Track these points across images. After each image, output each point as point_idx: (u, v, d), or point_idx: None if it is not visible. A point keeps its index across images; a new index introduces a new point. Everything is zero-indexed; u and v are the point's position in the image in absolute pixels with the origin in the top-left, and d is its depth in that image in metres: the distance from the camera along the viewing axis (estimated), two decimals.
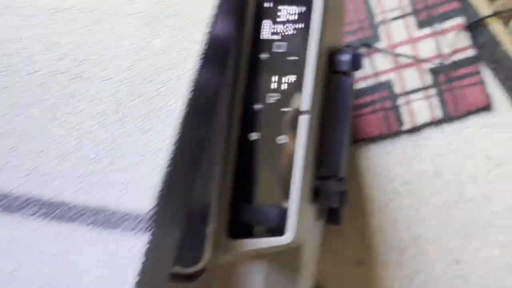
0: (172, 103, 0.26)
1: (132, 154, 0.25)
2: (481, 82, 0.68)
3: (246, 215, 0.29)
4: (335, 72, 0.36)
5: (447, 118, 0.69)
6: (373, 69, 0.71)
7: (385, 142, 0.70)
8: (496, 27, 0.68)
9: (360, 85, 0.70)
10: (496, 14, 0.68)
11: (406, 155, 0.69)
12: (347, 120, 0.35)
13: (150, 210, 0.24)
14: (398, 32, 0.70)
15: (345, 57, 0.36)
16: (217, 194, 0.29)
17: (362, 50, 0.70)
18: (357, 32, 0.71)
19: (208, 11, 0.27)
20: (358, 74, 0.71)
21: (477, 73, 0.68)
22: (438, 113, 0.68)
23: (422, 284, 0.68)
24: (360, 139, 0.70)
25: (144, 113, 0.26)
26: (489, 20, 0.68)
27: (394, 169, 0.69)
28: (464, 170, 0.68)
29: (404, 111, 0.69)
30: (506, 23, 0.68)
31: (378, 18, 0.71)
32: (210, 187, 0.28)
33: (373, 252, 0.69)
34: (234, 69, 0.29)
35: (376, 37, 0.71)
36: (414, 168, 0.69)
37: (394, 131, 0.70)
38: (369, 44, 0.70)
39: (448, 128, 0.69)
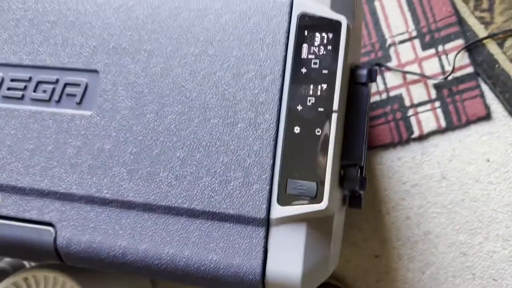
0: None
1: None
2: (480, 95, 0.77)
3: (292, 188, 0.39)
4: (355, 83, 0.46)
5: (451, 127, 0.78)
6: (385, 85, 0.80)
7: (396, 149, 0.79)
8: (492, 47, 0.78)
9: (374, 99, 0.80)
10: (491, 36, 0.78)
11: (416, 160, 0.78)
12: (365, 119, 0.44)
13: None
14: (405, 53, 0.80)
15: (363, 71, 0.46)
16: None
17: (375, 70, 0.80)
18: (371, 53, 0.81)
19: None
20: (372, 89, 0.81)
21: (477, 87, 0.77)
22: (443, 123, 0.78)
23: (433, 274, 0.75)
24: (375, 147, 0.79)
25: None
26: (485, 41, 0.78)
27: (405, 173, 0.78)
28: (467, 173, 0.76)
29: (413, 121, 0.79)
30: (500, 43, 0.78)
31: (388, 41, 0.81)
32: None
33: (388, 246, 0.77)
34: (282, 79, 0.40)
35: (387, 58, 0.81)
36: (423, 172, 0.77)
37: (404, 139, 0.79)
38: (381, 63, 0.80)
39: (452, 136, 0.78)
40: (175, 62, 0.41)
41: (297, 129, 0.39)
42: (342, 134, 0.43)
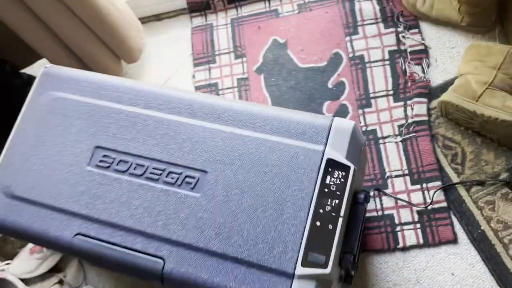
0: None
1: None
2: (451, 224, 1.05)
3: (311, 257, 0.66)
4: (356, 202, 0.75)
5: (427, 244, 1.04)
6: (381, 205, 1.09)
7: (385, 254, 1.05)
8: (461, 191, 1.07)
9: (372, 214, 1.08)
10: (461, 183, 1.07)
11: (398, 265, 1.03)
12: (359, 226, 0.73)
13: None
14: (398, 184, 1.10)
15: (361, 195, 0.75)
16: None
17: (375, 193, 1.09)
18: (373, 181, 1.11)
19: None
20: (372, 207, 1.09)
21: (448, 217, 1.05)
22: (421, 240, 1.04)
23: None
24: (369, 250, 1.06)
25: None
26: (457, 186, 1.07)
27: (389, 274, 1.03)
28: (436, 281, 1.01)
29: (399, 235, 1.05)
30: (468, 189, 1.07)
31: (387, 174, 1.11)
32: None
33: None
34: (312, 193, 0.69)
35: (385, 185, 1.10)
36: (403, 275, 1.02)
37: (391, 248, 1.05)
38: (380, 189, 1.10)
39: (427, 251, 1.03)
40: (252, 174, 0.72)
41: (318, 223, 0.68)
42: (344, 231, 0.71)
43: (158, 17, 1.43)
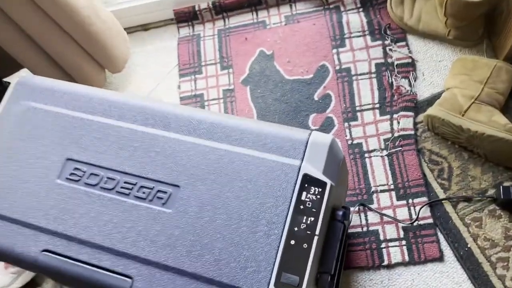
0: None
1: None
2: (437, 241, 1.02)
3: (284, 278, 0.63)
4: (334, 219, 0.72)
5: (412, 262, 1.01)
6: (366, 221, 1.06)
7: (369, 272, 1.02)
8: (448, 207, 1.05)
9: (356, 230, 1.05)
10: (448, 198, 1.05)
11: (383, 284, 1.00)
12: (337, 244, 0.70)
13: None
14: (384, 200, 1.07)
15: (340, 212, 0.73)
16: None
17: (360, 208, 1.07)
18: (359, 195, 1.09)
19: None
20: (356, 222, 1.07)
21: (434, 234, 1.02)
22: (407, 258, 1.01)
23: None
24: (353, 267, 1.03)
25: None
26: (443, 202, 1.05)
27: None
28: None
29: (384, 252, 1.03)
30: (454, 205, 1.05)
31: (372, 189, 1.09)
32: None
33: None
34: (287, 210, 0.67)
35: (370, 201, 1.08)
36: None
37: (376, 265, 1.02)
38: (365, 204, 1.07)
39: (413, 269, 1.01)
40: (226, 189, 0.69)
41: (292, 242, 0.65)
42: (321, 250, 0.68)
43: (145, 27, 1.42)
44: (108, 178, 0.73)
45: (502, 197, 0.99)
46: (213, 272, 0.65)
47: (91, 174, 0.74)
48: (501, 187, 1.00)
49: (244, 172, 0.70)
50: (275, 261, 0.65)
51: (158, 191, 0.71)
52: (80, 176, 0.74)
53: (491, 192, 1.03)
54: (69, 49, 1.17)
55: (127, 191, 0.72)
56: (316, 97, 1.19)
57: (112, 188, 0.73)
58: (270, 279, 0.64)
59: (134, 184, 0.72)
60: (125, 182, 0.73)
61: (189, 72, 1.30)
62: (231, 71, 1.28)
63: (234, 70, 1.28)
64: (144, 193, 0.72)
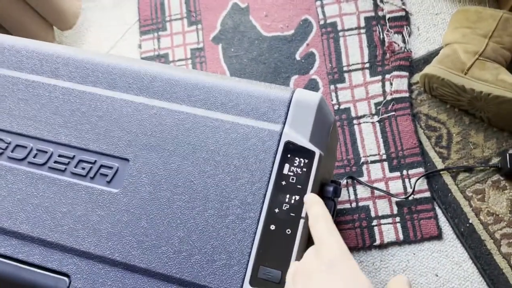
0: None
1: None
2: (434, 217, 0.91)
3: (262, 273, 0.50)
4: (323, 197, 0.59)
5: (407, 241, 0.90)
6: (356, 196, 0.94)
7: (359, 253, 0.90)
8: (447, 178, 0.93)
9: (344, 206, 0.93)
10: (447, 169, 0.93)
11: (375, 265, 0.89)
12: None
13: None
14: (375, 171, 0.95)
15: (330, 188, 0.59)
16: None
17: (348, 181, 0.94)
18: (347, 167, 0.96)
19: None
20: (344, 198, 0.94)
21: (432, 210, 0.91)
22: (401, 236, 0.90)
23: None
24: None
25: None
26: (442, 172, 0.93)
27: None
28: (418, 284, 0.87)
29: (376, 231, 0.91)
30: (454, 176, 0.93)
31: (362, 160, 0.96)
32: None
33: None
34: (266, 187, 0.53)
35: (360, 173, 0.95)
36: (380, 277, 0.88)
37: (367, 245, 0.90)
38: (354, 177, 0.95)
39: (408, 249, 0.89)
40: (188, 162, 0.55)
41: (272, 227, 0.51)
42: (307, 236, 0.55)
43: None
44: (38, 150, 0.58)
45: (508, 166, 0.88)
46: (172, 267, 0.51)
47: (16, 145, 0.58)
48: (506, 154, 0.89)
49: (210, 140, 0.55)
50: (250, 251, 0.51)
51: (102, 166, 0.56)
52: (2, 149, 0.58)
53: (495, 160, 0.92)
54: (11, 4, 0.98)
55: (62, 167, 0.57)
56: (298, 57, 1.04)
57: (44, 164, 0.57)
58: (244, 274, 0.50)
59: (71, 158, 0.57)
60: (59, 156, 0.57)
61: (152, 29, 1.13)
62: (200, 27, 1.11)
63: (204, 26, 1.11)
64: (83, 168, 0.56)
